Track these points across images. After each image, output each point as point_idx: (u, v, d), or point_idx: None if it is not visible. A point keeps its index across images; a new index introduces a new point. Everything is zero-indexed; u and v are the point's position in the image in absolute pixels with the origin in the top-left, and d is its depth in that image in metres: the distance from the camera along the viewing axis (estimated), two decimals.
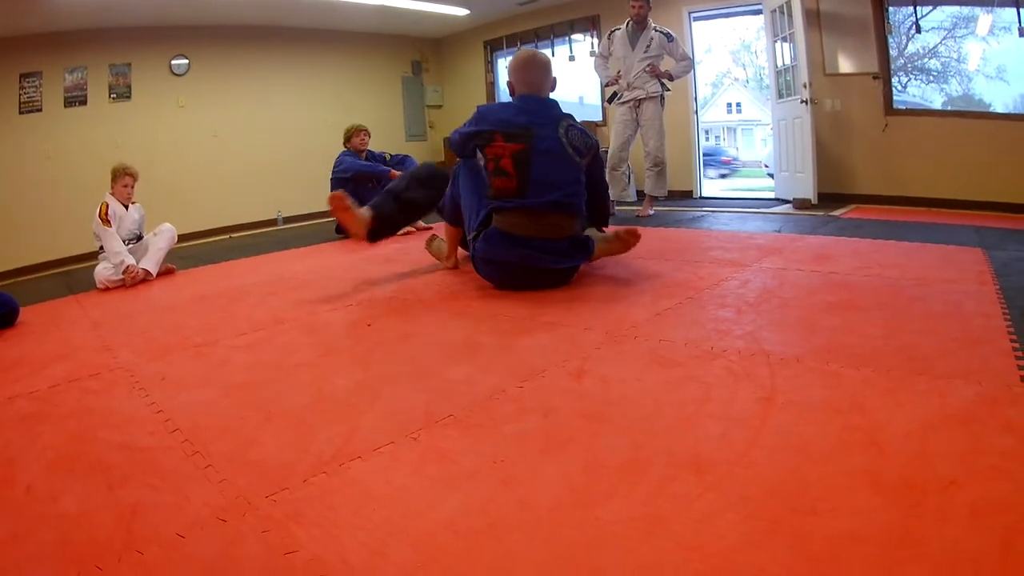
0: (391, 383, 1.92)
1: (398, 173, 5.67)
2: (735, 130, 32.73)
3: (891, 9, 6.34)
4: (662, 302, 2.60)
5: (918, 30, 6.50)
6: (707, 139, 28.10)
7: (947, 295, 2.52)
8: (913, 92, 13.31)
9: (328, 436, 1.54)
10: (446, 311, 2.71)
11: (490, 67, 9.32)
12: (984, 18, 6.78)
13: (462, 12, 8.47)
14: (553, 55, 8.71)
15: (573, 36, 8.57)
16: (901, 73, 10.16)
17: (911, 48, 9.45)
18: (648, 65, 5.81)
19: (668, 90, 5.99)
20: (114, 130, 7.20)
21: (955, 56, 14.28)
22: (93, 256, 4.87)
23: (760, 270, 3.15)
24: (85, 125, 7.05)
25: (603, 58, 6.23)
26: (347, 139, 6.24)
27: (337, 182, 6.07)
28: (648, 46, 5.80)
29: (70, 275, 5.86)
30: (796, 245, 3.88)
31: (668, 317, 2.36)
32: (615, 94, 6.10)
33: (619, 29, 5.99)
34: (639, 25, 5.83)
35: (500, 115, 3.12)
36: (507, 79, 3.26)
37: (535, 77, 3.19)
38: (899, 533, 1.02)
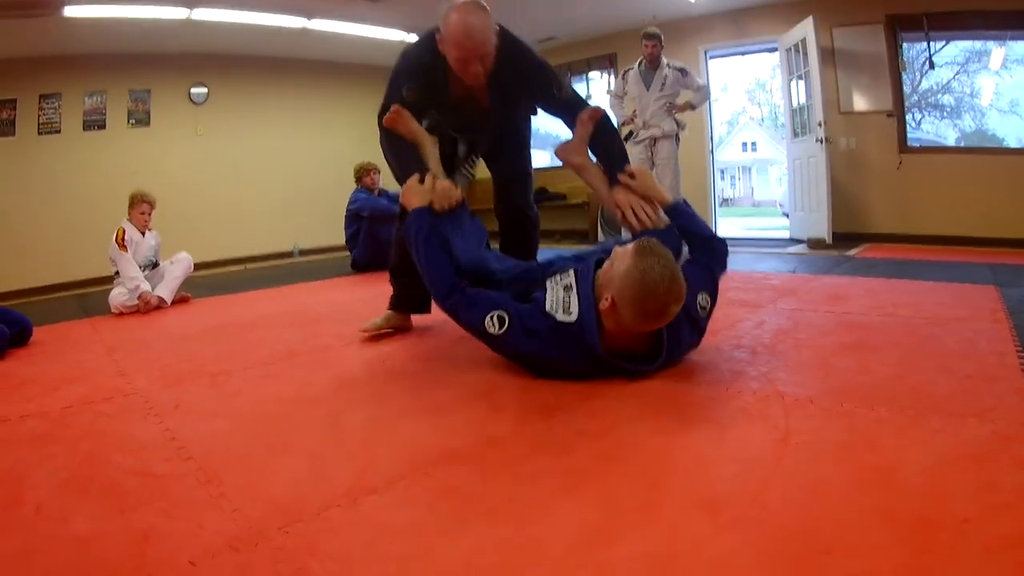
0: (406, 419, 1.93)
1: None
2: (750, 169, 32.80)
3: (905, 45, 6.40)
4: None
5: (931, 66, 6.55)
6: (722, 178, 28.20)
7: (961, 333, 2.52)
8: (927, 129, 13.34)
9: (342, 470, 1.55)
10: (461, 349, 2.72)
11: None
12: (997, 52, 6.84)
13: None
14: None
15: (590, 74, 8.70)
16: (915, 110, 10.19)
17: (925, 84, 9.49)
18: (667, 104, 5.90)
19: (683, 129, 6.06)
20: (132, 156, 7.29)
21: (968, 91, 14.30)
22: (108, 280, 4.93)
23: (775, 311, 3.15)
24: (103, 149, 7.15)
25: (618, 98, 6.33)
26: (358, 177, 6.28)
27: (352, 218, 6.14)
28: (663, 84, 5.89)
29: (85, 298, 5.93)
30: (811, 285, 3.88)
31: (685, 359, 2.36)
32: (631, 133, 6.17)
33: (632, 69, 6.10)
34: (652, 64, 5.92)
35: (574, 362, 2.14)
36: (609, 292, 2.02)
37: (661, 319, 2.04)
38: (913, 571, 1.02)
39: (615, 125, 2.85)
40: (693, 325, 2.23)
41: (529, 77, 2.73)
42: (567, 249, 2.89)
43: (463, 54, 2.49)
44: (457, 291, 2.26)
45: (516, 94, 2.83)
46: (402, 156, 2.68)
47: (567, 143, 2.72)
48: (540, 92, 2.79)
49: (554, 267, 2.37)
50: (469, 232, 2.58)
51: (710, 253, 2.40)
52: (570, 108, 2.71)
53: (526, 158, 3.17)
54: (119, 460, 1.74)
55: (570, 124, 2.72)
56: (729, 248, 2.48)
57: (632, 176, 2.55)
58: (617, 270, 2.00)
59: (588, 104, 2.73)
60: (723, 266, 2.41)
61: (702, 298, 2.23)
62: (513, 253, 2.94)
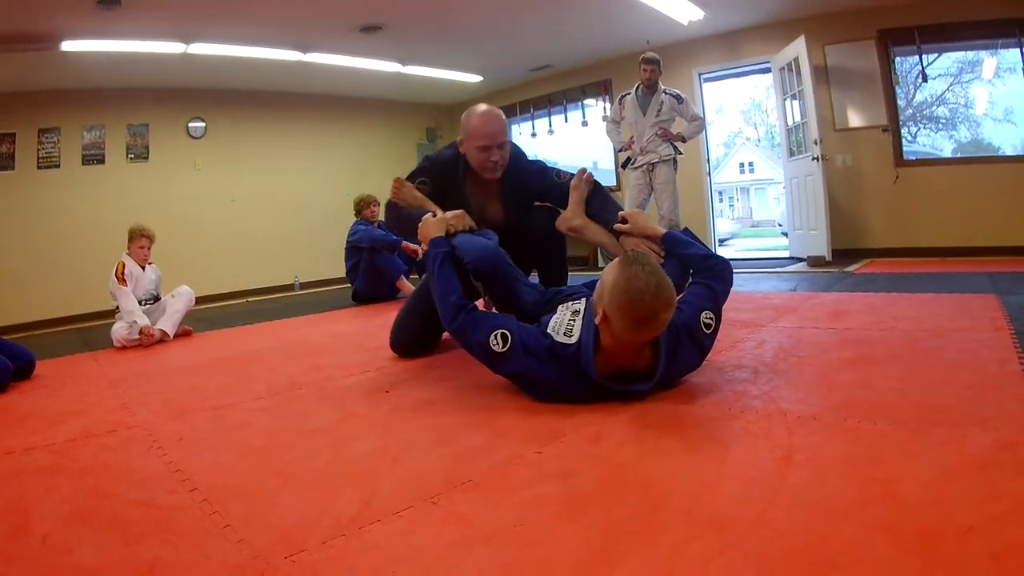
0: (410, 449, 1.93)
1: (412, 245, 5.74)
2: (748, 190, 32.90)
3: (897, 59, 6.45)
4: None
5: (924, 79, 6.61)
6: (720, 200, 28.25)
7: (962, 344, 2.54)
8: (923, 141, 13.39)
9: (347, 499, 1.55)
10: (464, 378, 2.72)
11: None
12: (989, 61, 6.90)
13: (476, 79, 8.72)
14: (566, 120, 8.94)
15: (585, 101, 8.78)
16: (910, 123, 10.24)
17: (919, 97, 9.56)
18: (659, 129, 5.90)
19: (680, 153, 6.07)
20: (131, 190, 7.37)
21: (962, 102, 14.36)
22: (110, 314, 4.96)
23: (776, 330, 3.16)
24: (102, 184, 7.24)
25: (615, 123, 6.34)
26: (358, 210, 6.34)
27: (352, 251, 6.17)
28: (659, 110, 5.89)
29: (86, 332, 5.96)
30: (811, 303, 3.89)
31: (685, 380, 2.36)
32: (629, 159, 6.18)
33: (629, 94, 6.09)
34: (649, 89, 5.93)
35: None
36: (601, 305, 2.02)
37: (652, 327, 2.00)
38: None
39: (603, 186, 2.96)
40: (696, 345, 2.24)
41: (533, 179, 3.08)
42: (583, 276, 2.94)
43: (485, 141, 2.81)
44: (464, 312, 2.32)
45: (525, 197, 3.12)
46: (412, 213, 2.83)
47: (564, 212, 2.87)
48: (543, 187, 3.06)
49: (569, 291, 2.49)
50: (487, 235, 2.74)
51: (708, 272, 2.42)
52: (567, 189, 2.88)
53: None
54: (124, 492, 1.74)
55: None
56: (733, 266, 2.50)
57: (624, 221, 2.65)
58: (606, 282, 2.03)
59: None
60: (725, 282, 2.41)
61: (706, 315, 2.23)
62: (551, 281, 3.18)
